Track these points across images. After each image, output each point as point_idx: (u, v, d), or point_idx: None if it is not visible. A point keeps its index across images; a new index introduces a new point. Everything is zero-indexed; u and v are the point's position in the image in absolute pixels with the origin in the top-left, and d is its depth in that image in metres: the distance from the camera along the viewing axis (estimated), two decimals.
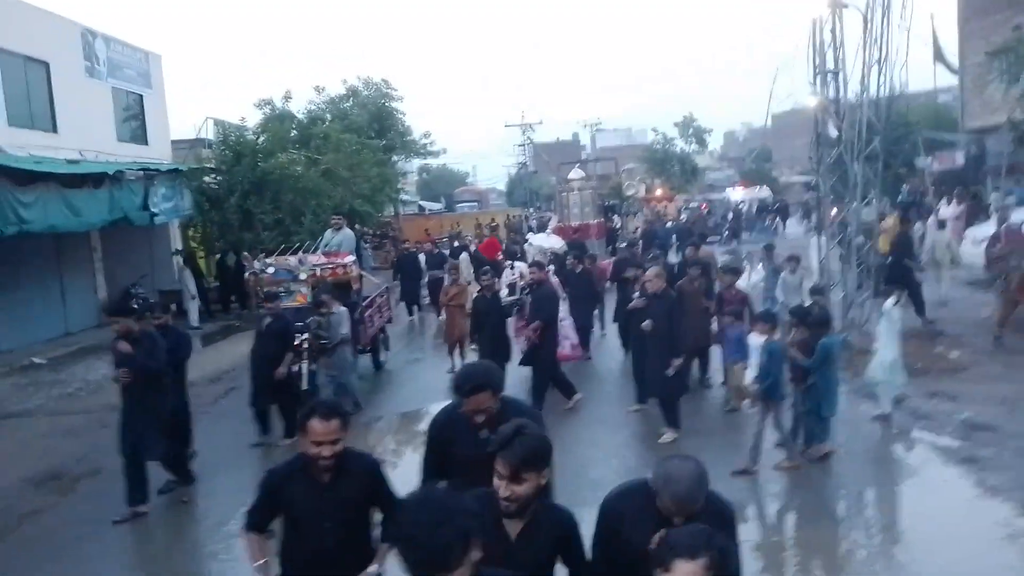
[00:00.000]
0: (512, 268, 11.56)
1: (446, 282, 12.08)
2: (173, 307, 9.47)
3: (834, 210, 11.85)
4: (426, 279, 16.45)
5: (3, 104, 14.27)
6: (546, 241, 16.14)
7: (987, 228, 14.92)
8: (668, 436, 7.69)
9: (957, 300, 13.69)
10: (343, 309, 9.33)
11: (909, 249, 12.62)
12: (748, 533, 5.43)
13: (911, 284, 11.20)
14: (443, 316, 12.59)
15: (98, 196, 13.45)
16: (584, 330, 11.05)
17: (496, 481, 2.66)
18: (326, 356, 8.99)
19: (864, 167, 10.68)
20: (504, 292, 10.14)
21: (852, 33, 10.74)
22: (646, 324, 7.78)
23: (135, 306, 16.70)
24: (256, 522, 3.43)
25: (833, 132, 10.25)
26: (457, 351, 11.06)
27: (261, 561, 3.35)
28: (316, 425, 3.21)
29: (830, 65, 10.34)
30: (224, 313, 18.36)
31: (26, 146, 14.21)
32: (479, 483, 2.78)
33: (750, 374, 7.47)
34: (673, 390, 7.80)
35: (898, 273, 11.24)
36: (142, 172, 15.03)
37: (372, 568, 3.31)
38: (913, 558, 5.28)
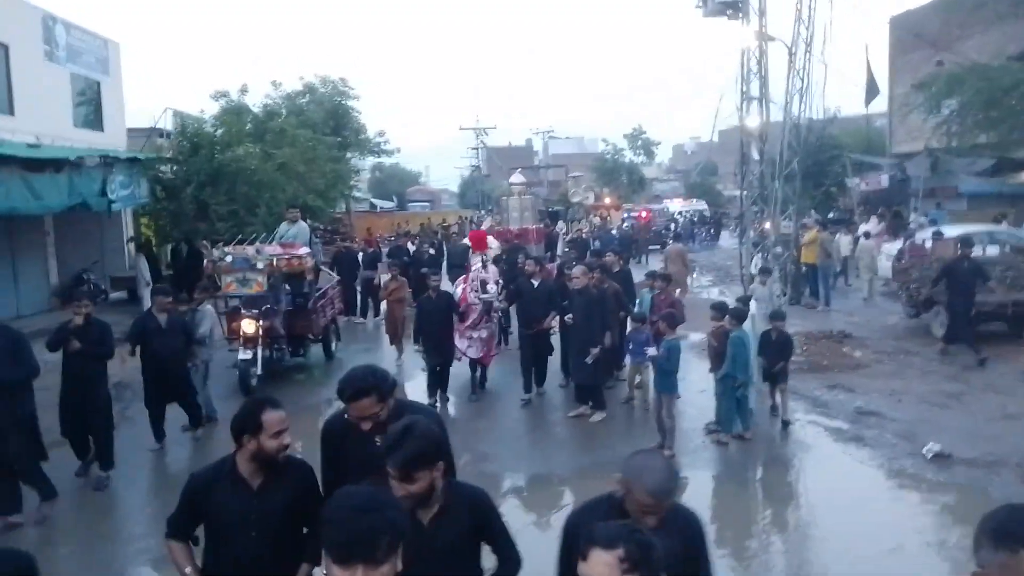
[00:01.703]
0: (486, 267, 10.77)
1: (384, 279, 12.51)
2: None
3: (767, 224, 12.92)
4: (360, 278, 16.36)
5: None
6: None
7: (900, 244, 16.31)
8: (597, 416, 8.58)
9: (869, 307, 15.03)
10: (209, 308, 9.20)
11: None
12: None
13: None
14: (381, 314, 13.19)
15: (58, 181, 13.71)
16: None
17: (391, 482, 2.61)
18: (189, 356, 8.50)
19: (784, 185, 11.75)
20: (492, 288, 10.01)
21: (776, 64, 11.81)
22: (568, 317, 8.88)
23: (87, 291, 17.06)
24: (177, 529, 3.23)
25: (755, 154, 11.27)
26: (398, 343, 11.77)
27: (187, 569, 3.18)
28: (272, 416, 3.06)
29: (755, 92, 11.36)
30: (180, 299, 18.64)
31: None
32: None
33: (649, 374, 8.59)
34: (596, 376, 8.70)
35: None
36: (101, 159, 15.30)
37: None
38: (805, 515, 6.40)
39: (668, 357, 7.60)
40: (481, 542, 2.91)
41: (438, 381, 9.36)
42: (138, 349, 8.00)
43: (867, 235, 18.43)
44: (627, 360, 9.33)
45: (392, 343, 11.98)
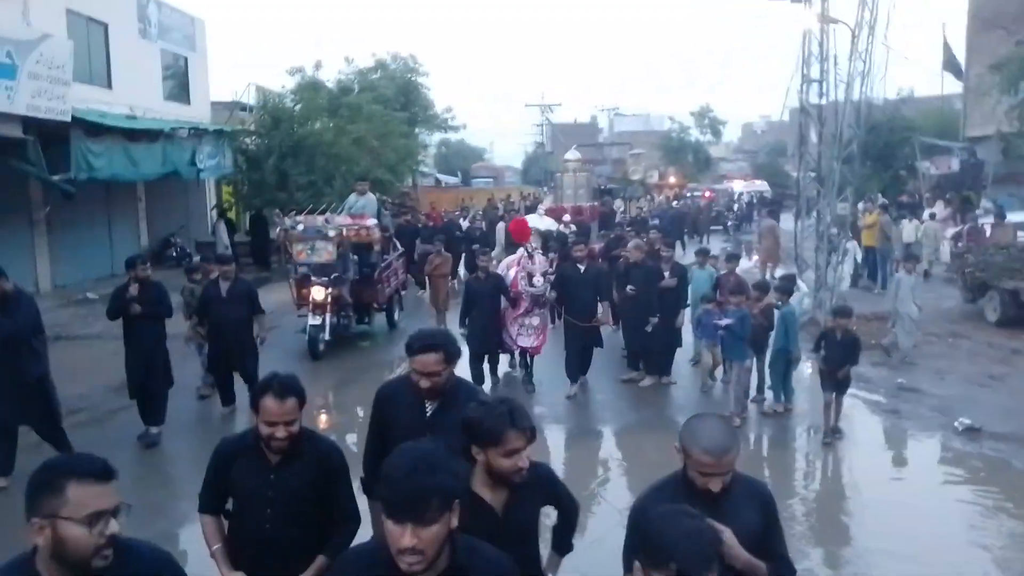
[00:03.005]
0: (545, 253, 9.83)
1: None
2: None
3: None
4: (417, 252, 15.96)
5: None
6: (540, 223, 14.30)
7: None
8: (647, 381, 9.12)
9: (926, 291, 15.07)
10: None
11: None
12: None
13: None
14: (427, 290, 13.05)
15: (153, 150, 14.87)
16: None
17: (513, 459, 2.58)
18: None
19: (842, 167, 11.96)
20: (539, 281, 8.96)
21: (839, 46, 11.97)
22: (629, 289, 8.99)
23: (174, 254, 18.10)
24: (208, 502, 3.14)
25: (814, 137, 11.51)
26: (440, 318, 11.74)
27: (215, 547, 3.07)
28: (270, 404, 2.89)
29: (815, 74, 11.58)
30: (254, 266, 19.80)
31: (85, 100, 15.58)
32: None
33: (718, 353, 8.68)
34: (656, 343, 9.10)
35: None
36: (191, 131, 16.42)
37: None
38: (843, 473, 7.03)
39: (742, 324, 7.81)
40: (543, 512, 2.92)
41: (481, 370, 8.79)
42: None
43: (932, 216, 18.29)
44: (701, 344, 9.15)
45: (438, 321, 11.78)
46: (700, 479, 2.49)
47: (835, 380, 7.24)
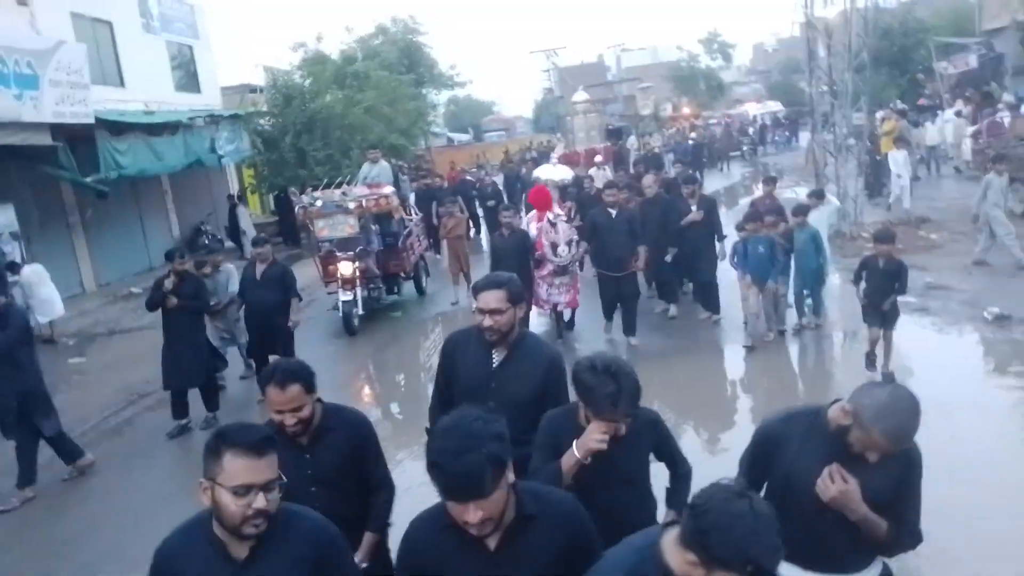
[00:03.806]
0: (567, 220, 9.19)
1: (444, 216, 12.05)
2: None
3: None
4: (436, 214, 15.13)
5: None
6: (554, 173, 13.69)
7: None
8: (672, 310, 9.41)
9: (950, 188, 15.06)
10: (230, 266, 8.78)
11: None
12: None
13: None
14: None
15: (175, 142, 15.21)
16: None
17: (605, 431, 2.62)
18: (218, 317, 8.49)
19: (854, 77, 11.93)
20: (564, 250, 8.51)
21: None
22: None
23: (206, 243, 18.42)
24: None
25: (822, 50, 11.48)
26: (462, 281, 11.16)
27: None
28: (273, 393, 2.87)
29: None
30: (284, 244, 20.25)
31: (101, 100, 15.92)
32: None
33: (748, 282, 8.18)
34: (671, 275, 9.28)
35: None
36: (208, 118, 16.73)
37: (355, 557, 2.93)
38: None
39: (771, 249, 7.88)
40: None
41: None
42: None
43: (959, 114, 18.04)
44: (745, 278, 8.23)
45: (455, 283, 11.48)
46: (861, 447, 2.38)
47: (881, 313, 6.61)
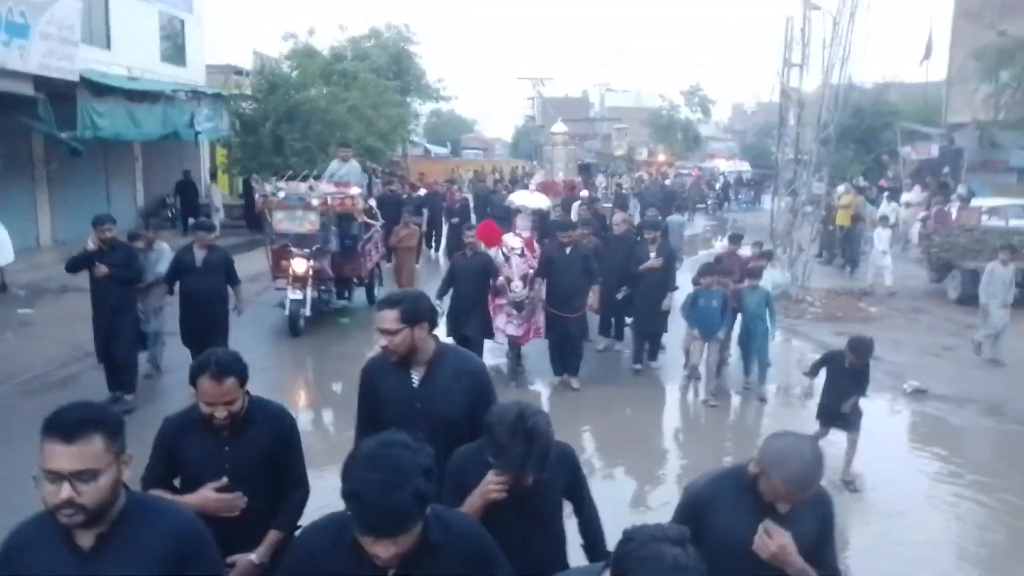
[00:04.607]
0: (521, 254, 8.48)
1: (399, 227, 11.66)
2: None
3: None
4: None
5: None
6: (531, 200, 13.25)
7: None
8: (617, 345, 9.68)
9: (896, 267, 15.84)
10: (165, 246, 8.21)
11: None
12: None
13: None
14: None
15: (154, 111, 15.23)
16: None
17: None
18: (139, 297, 7.72)
19: (819, 148, 12.57)
20: (518, 286, 8.14)
21: (819, 31, 12.51)
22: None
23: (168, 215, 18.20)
24: (155, 482, 2.92)
25: (792, 119, 12.10)
26: None
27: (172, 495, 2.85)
28: (207, 385, 2.77)
29: (796, 59, 12.13)
30: (248, 229, 20.20)
31: (85, 60, 15.85)
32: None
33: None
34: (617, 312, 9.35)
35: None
36: (190, 94, 16.77)
37: (251, 555, 2.85)
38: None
39: (723, 303, 7.97)
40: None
41: None
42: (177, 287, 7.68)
43: (907, 205, 19.05)
44: (693, 333, 8.34)
45: None
46: (771, 496, 2.45)
47: (836, 415, 6.18)
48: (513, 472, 2.52)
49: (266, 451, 2.93)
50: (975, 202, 14.78)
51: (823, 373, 6.46)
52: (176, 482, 2.97)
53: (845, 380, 6.18)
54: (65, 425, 1.88)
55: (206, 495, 2.80)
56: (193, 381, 2.83)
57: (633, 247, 9.17)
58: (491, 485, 2.57)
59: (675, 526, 1.84)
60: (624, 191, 22.53)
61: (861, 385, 6.19)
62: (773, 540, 2.38)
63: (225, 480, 2.83)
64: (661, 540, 1.74)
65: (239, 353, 2.92)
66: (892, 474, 6.34)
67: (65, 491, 1.85)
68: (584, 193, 16.27)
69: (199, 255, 7.59)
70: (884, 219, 12.88)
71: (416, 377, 3.15)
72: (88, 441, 1.88)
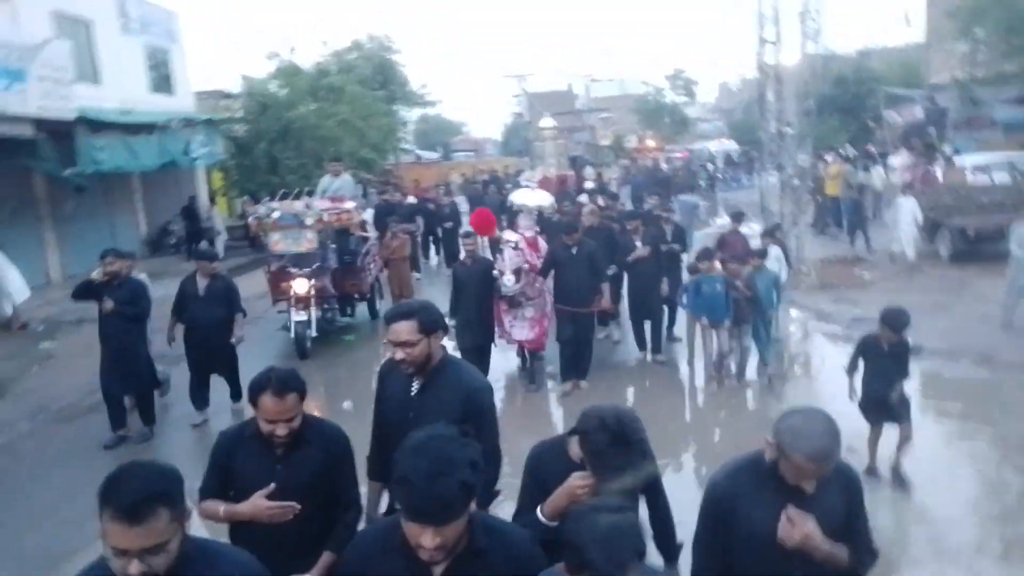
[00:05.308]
0: (515, 247, 8.13)
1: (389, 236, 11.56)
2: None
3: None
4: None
5: None
6: (531, 198, 12.93)
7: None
8: (615, 335, 9.91)
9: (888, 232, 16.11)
10: (143, 276, 8.14)
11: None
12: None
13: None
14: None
15: (150, 142, 15.60)
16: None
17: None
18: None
19: (801, 120, 12.85)
20: (509, 280, 7.86)
21: (793, 5, 12.74)
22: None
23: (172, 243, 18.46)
24: (210, 494, 2.99)
25: (770, 95, 12.38)
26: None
27: (221, 509, 2.94)
28: (268, 402, 2.81)
29: (770, 36, 12.41)
30: (251, 249, 20.54)
31: (79, 97, 16.18)
32: None
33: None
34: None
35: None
36: (184, 122, 17.13)
37: None
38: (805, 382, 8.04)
39: (726, 288, 7.77)
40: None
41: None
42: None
43: (894, 169, 19.21)
44: (702, 322, 8.10)
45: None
46: (793, 477, 2.41)
47: (884, 406, 5.60)
48: (612, 479, 2.53)
49: (318, 471, 2.94)
50: (957, 160, 15.05)
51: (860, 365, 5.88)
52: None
53: (887, 364, 5.60)
54: (128, 505, 1.80)
55: (257, 503, 2.82)
56: (253, 399, 2.86)
57: (612, 237, 9.08)
58: (578, 487, 2.60)
59: (614, 500, 2.13)
60: (605, 181, 21.29)
61: (904, 367, 5.62)
62: (796, 528, 2.35)
63: (273, 486, 2.84)
64: (599, 510, 2.02)
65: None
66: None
67: (135, 568, 1.82)
68: (585, 194, 16.06)
69: (202, 284, 7.58)
70: (907, 187, 12.17)
71: (415, 386, 3.18)
72: (155, 518, 1.83)
